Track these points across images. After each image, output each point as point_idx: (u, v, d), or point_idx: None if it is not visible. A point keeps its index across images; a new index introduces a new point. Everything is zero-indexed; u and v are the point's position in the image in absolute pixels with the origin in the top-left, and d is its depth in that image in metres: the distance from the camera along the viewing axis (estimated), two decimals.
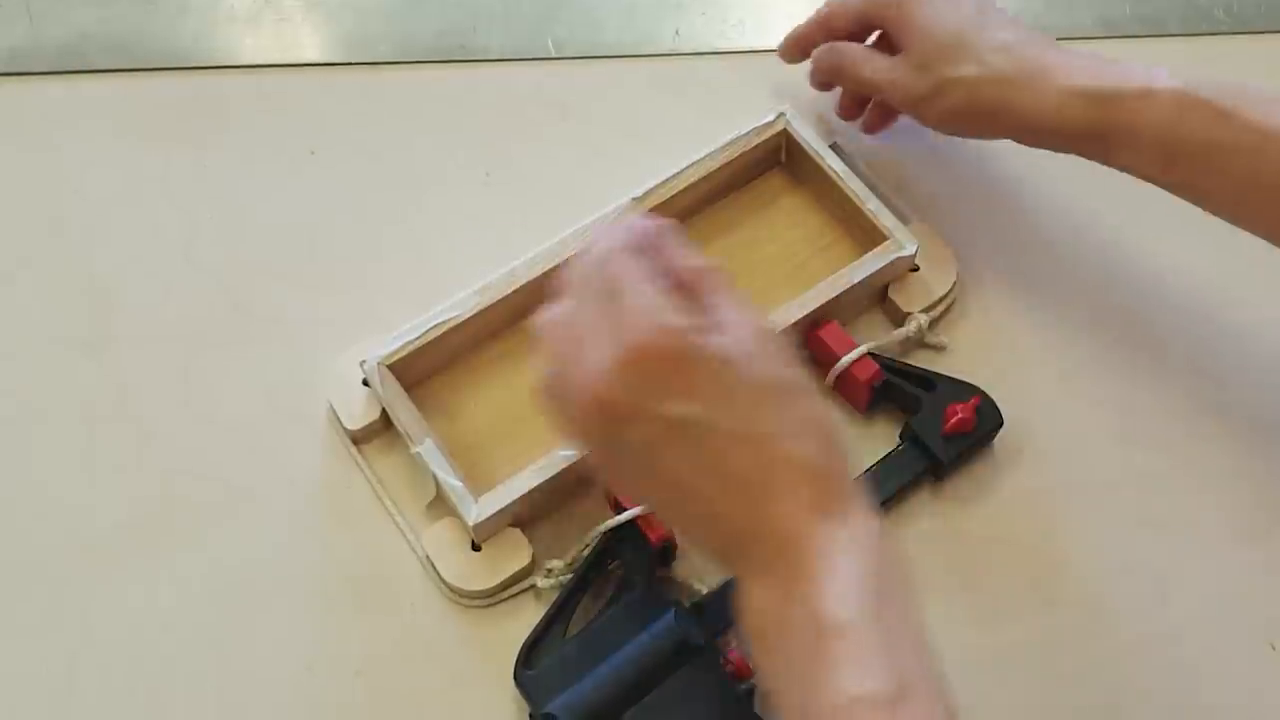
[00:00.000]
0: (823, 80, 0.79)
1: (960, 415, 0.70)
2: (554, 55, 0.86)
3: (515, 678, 0.65)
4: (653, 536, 0.67)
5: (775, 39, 0.85)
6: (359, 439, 0.72)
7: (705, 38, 0.87)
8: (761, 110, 0.78)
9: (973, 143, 0.82)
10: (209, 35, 0.87)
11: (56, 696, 0.68)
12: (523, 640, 0.66)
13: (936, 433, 0.70)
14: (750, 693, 0.64)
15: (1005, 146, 0.81)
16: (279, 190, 0.81)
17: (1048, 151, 0.76)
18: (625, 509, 0.68)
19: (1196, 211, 0.79)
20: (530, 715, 0.64)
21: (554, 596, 0.68)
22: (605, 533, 0.68)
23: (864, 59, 0.75)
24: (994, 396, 0.71)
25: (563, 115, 0.84)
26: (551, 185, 0.81)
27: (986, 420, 0.71)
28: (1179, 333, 0.76)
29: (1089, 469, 0.72)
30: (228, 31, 0.87)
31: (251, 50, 0.87)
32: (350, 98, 0.85)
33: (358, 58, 0.86)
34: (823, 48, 0.77)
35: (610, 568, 0.68)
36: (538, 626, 0.67)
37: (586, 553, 0.69)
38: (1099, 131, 0.66)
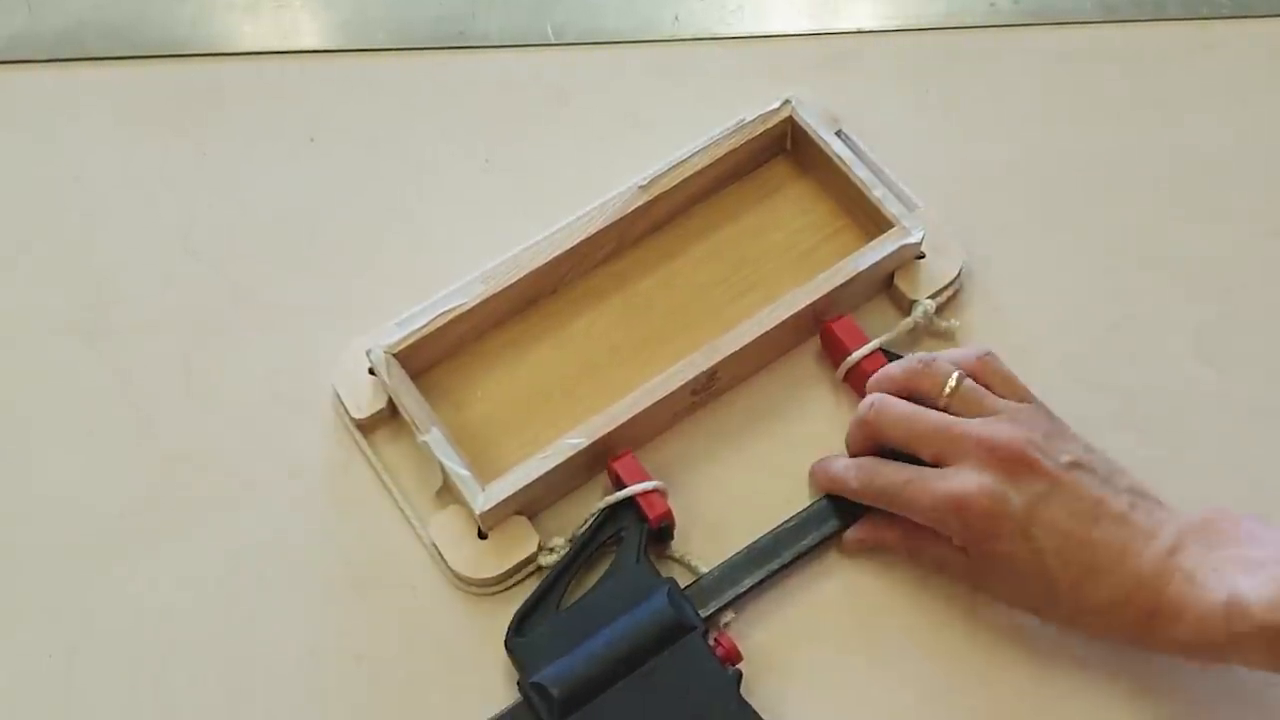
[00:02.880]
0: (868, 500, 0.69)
1: None
2: (553, 41, 0.86)
3: (506, 645, 0.65)
4: (652, 515, 0.68)
5: (774, 24, 0.86)
6: (366, 428, 0.72)
7: (704, 23, 0.87)
8: (761, 96, 0.78)
9: (980, 132, 0.82)
10: (207, 22, 0.87)
11: (57, 685, 0.68)
12: (515, 612, 0.67)
13: None
14: (738, 677, 0.65)
15: (1014, 133, 0.81)
16: (278, 177, 0.81)
17: (1056, 140, 0.77)
18: (626, 485, 0.68)
19: (1201, 201, 0.79)
20: (519, 684, 0.65)
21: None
22: (605, 509, 0.68)
23: (916, 548, 0.68)
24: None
25: (562, 101, 0.84)
26: (551, 171, 0.81)
27: None
28: (1182, 319, 0.76)
29: None
30: (226, 18, 0.87)
31: (250, 37, 0.86)
32: (349, 84, 0.85)
33: (356, 44, 0.86)
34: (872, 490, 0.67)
35: (606, 543, 0.69)
36: (532, 596, 0.67)
37: (585, 528, 0.69)
38: (1200, 663, 0.63)
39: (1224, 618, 0.60)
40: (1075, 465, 0.64)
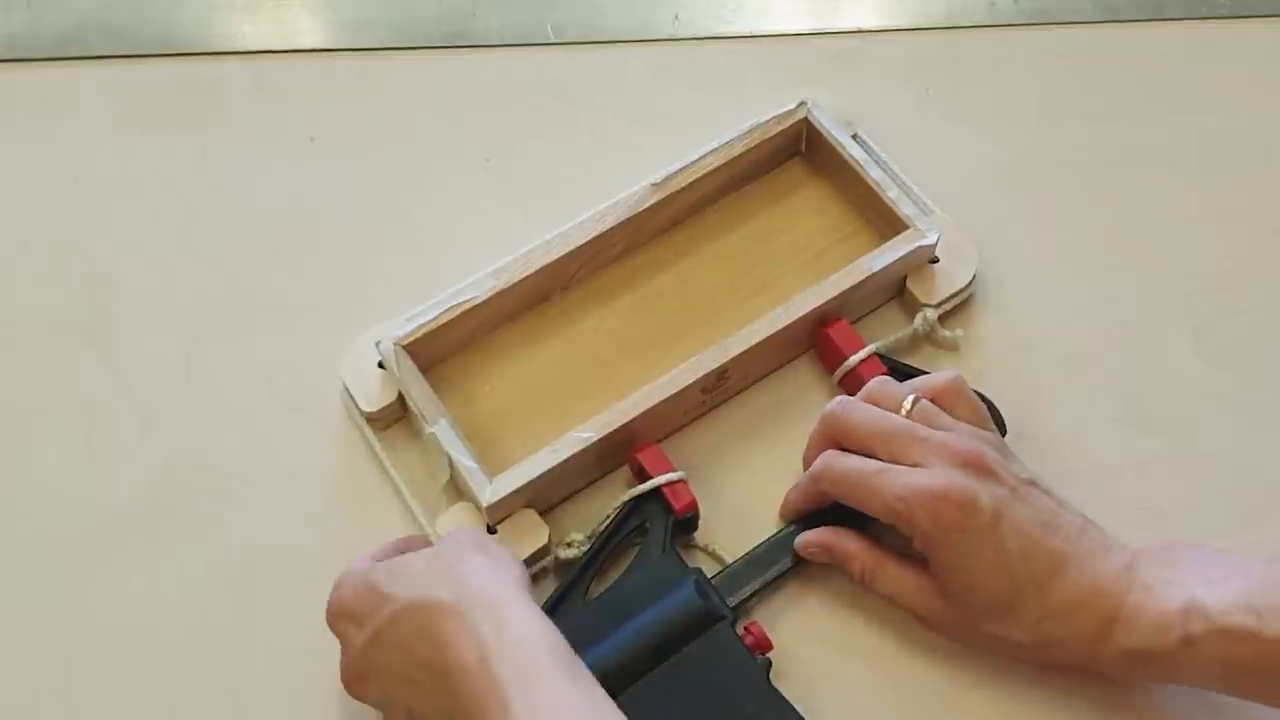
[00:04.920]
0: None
1: None
2: (553, 41, 0.86)
3: None
4: (677, 505, 0.68)
5: (775, 24, 0.86)
6: (375, 422, 0.72)
7: (704, 23, 0.87)
8: (761, 96, 0.78)
9: (980, 131, 0.82)
10: (208, 22, 0.87)
11: (57, 684, 0.68)
12: (541, 605, 0.66)
13: None
14: (767, 665, 0.65)
15: (1013, 133, 0.82)
16: (278, 177, 0.81)
17: (1055, 140, 0.79)
18: (650, 477, 0.68)
19: (1201, 201, 0.79)
20: None
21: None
22: (629, 500, 0.69)
23: (876, 566, 0.67)
24: (1006, 388, 0.71)
25: (562, 101, 0.84)
26: (551, 171, 0.81)
27: None
28: (1182, 319, 0.76)
29: (1093, 457, 0.72)
30: (226, 18, 0.87)
31: (251, 37, 0.86)
32: (349, 84, 0.85)
33: (357, 44, 0.86)
34: (821, 486, 0.67)
35: (630, 534, 0.69)
36: (558, 589, 0.67)
37: (609, 521, 0.69)
38: (1151, 676, 0.64)
39: (1181, 621, 0.60)
40: (1030, 483, 0.64)
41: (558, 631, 0.57)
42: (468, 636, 0.56)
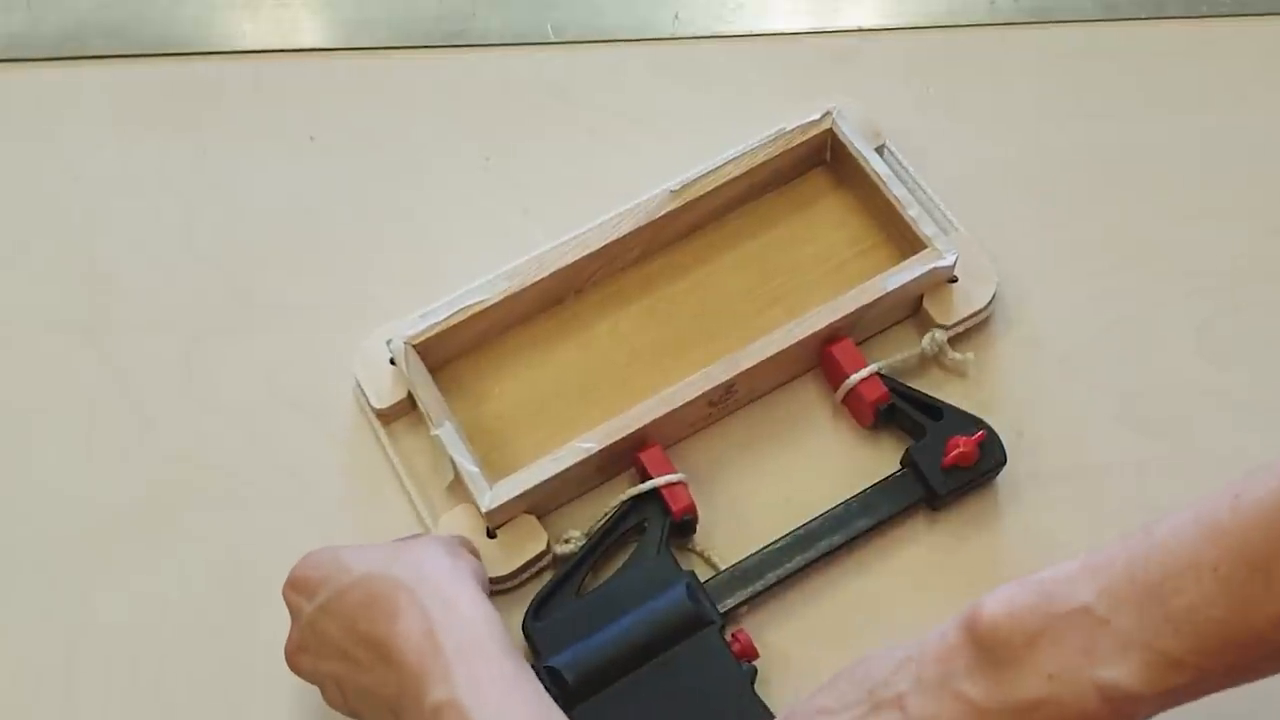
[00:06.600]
0: None
1: (961, 449, 0.68)
2: (553, 40, 0.86)
3: (523, 628, 0.66)
4: (675, 507, 0.68)
5: (775, 23, 0.86)
6: (385, 417, 0.72)
7: (704, 22, 0.87)
8: (761, 95, 0.78)
9: (980, 130, 0.82)
10: (208, 21, 0.87)
11: (57, 684, 0.68)
12: (535, 596, 0.67)
13: (936, 463, 0.69)
14: (753, 673, 0.65)
15: (1013, 131, 0.82)
16: (278, 176, 0.81)
17: (1055, 139, 0.80)
18: (652, 477, 0.68)
19: (1201, 200, 0.79)
20: (533, 667, 0.64)
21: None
22: (628, 499, 0.69)
23: None
24: (1014, 416, 0.71)
25: (562, 101, 0.84)
26: (550, 170, 0.81)
27: (988, 457, 0.69)
28: (1182, 318, 0.76)
29: (1093, 456, 0.72)
30: (226, 17, 0.87)
31: (250, 36, 0.87)
32: (349, 83, 0.85)
33: (357, 43, 0.86)
34: None
35: (628, 533, 0.69)
36: (551, 581, 0.67)
37: (607, 518, 0.69)
38: None
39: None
40: None
41: (503, 622, 0.60)
42: (417, 610, 0.58)
